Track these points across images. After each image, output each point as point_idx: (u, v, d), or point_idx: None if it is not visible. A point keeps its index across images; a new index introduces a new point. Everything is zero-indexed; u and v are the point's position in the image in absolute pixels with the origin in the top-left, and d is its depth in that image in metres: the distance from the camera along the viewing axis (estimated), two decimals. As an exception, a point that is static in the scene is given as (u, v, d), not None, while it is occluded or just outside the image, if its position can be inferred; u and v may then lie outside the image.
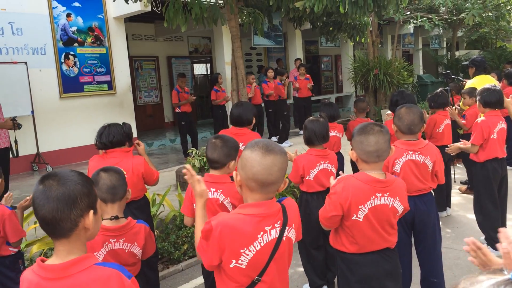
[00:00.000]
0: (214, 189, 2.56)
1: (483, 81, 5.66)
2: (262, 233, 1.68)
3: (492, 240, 3.99)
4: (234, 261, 1.67)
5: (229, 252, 1.67)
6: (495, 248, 3.97)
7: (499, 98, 4.00)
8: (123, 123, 3.44)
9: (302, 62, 12.34)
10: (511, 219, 4.77)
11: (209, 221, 1.71)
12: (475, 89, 4.84)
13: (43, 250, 3.88)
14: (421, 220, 3.02)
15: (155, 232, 4.07)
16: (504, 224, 4.17)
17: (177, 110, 8.94)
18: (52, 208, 1.38)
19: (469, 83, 5.86)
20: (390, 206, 2.23)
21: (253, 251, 1.67)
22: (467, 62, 6.26)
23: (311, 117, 3.55)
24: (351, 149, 2.31)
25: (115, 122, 3.47)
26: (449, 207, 5.22)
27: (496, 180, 4.04)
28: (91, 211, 1.44)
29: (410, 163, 3.00)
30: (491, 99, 3.99)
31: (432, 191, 3.14)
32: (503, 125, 4.03)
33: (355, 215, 2.19)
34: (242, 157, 1.74)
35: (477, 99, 4.17)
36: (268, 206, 1.71)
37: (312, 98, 11.48)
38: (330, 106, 4.90)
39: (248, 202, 1.73)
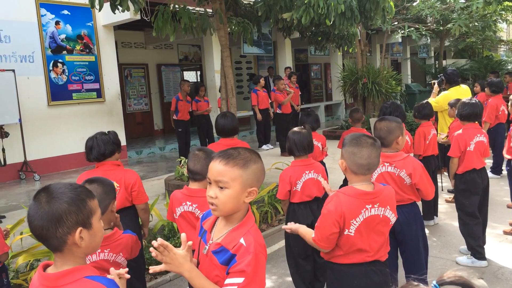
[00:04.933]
0: (190, 203, 2.60)
1: (456, 93, 5.83)
2: None
3: (473, 250, 4.02)
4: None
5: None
6: (477, 258, 4.00)
7: (475, 111, 4.04)
8: (108, 132, 3.39)
9: (292, 70, 12.42)
10: (496, 227, 4.84)
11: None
12: (459, 100, 4.91)
13: (29, 261, 3.84)
14: (401, 231, 3.02)
15: (143, 242, 4.05)
16: (484, 234, 4.19)
17: (174, 117, 8.95)
18: (38, 225, 1.40)
19: (442, 95, 6.00)
20: (381, 216, 2.22)
21: None
22: (441, 75, 6.40)
23: (295, 128, 3.58)
24: (341, 158, 2.29)
25: (102, 130, 3.43)
26: (436, 216, 5.26)
27: (476, 191, 4.03)
28: (79, 229, 1.42)
29: (385, 175, 3.01)
30: (467, 113, 4.05)
31: (415, 203, 3.11)
32: (481, 138, 4.06)
33: (347, 230, 2.18)
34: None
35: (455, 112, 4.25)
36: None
37: (301, 107, 11.54)
38: (309, 116, 4.86)
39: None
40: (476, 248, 3.99)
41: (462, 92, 5.86)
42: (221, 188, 1.63)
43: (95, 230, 1.49)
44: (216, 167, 1.64)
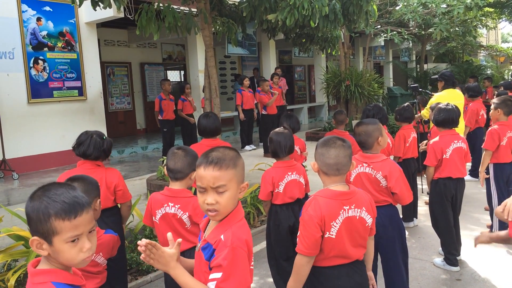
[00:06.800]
0: (172, 204, 2.56)
1: (450, 95, 5.79)
2: None
3: (445, 255, 4.07)
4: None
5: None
6: (448, 264, 4.03)
7: (451, 117, 3.98)
8: (105, 137, 3.27)
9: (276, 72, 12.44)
10: (474, 229, 4.93)
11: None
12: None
13: (7, 261, 3.77)
14: (376, 232, 3.01)
15: (125, 243, 4.01)
16: (458, 240, 4.22)
17: (160, 117, 8.87)
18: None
19: (437, 96, 5.93)
20: (357, 217, 2.24)
21: None
22: (436, 76, 6.40)
23: (276, 129, 3.57)
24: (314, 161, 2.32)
25: (86, 130, 3.32)
26: (416, 218, 5.34)
27: (449, 199, 4.03)
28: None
29: (362, 175, 3.02)
30: (442, 119, 4.01)
31: (392, 205, 3.10)
32: (459, 144, 3.99)
33: (328, 233, 2.18)
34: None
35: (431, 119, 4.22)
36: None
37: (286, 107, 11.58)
38: (290, 118, 4.76)
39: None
40: (447, 255, 4.04)
41: (455, 96, 5.79)
42: (220, 192, 1.65)
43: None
44: (212, 174, 1.65)
